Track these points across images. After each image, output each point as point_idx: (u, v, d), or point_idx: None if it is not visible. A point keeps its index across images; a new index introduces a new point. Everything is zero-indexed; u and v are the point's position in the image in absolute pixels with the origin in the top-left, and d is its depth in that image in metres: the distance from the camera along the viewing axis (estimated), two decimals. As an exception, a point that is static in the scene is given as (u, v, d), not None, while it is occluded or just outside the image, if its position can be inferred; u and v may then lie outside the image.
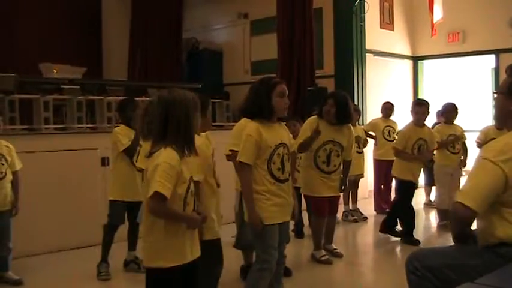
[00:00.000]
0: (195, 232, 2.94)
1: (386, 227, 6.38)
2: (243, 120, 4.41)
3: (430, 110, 6.33)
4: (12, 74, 7.72)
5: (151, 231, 2.80)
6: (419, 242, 6.08)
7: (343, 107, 5.21)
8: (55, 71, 9.78)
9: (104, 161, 6.16)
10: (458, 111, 6.80)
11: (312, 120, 5.27)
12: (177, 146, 2.77)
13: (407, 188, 6.27)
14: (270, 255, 3.64)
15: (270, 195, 3.64)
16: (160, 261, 2.78)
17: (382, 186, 8.03)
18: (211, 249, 3.55)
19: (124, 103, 5.21)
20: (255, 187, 3.63)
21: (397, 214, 6.35)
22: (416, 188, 6.57)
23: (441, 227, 6.81)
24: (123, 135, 4.91)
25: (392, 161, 7.38)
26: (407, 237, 6.17)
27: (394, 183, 6.79)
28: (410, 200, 6.29)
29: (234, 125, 4.65)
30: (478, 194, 2.65)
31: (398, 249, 6.14)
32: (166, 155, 2.73)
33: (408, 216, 6.28)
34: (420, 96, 10.60)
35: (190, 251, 2.86)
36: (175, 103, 2.81)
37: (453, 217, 2.81)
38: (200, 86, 9.79)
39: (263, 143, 3.60)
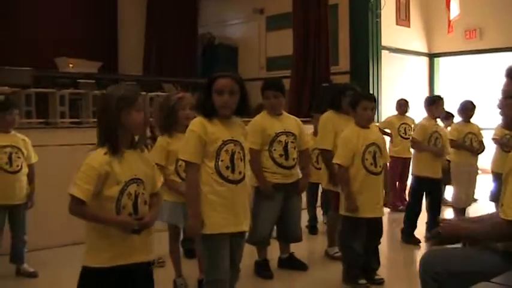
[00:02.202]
0: (137, 236, 2.71)
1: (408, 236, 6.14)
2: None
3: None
4: (29, 68, 7.77)
5: (86, 230, 2.75)
6: (419, 241, 5.98)
7: None
8: (71, 65, 9.83)
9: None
10: (476, 109, 6.69)
11: (329, 115, 5.17)
12: (108, 146, 2.67)
13: (423, 185, 6.13)
14: (218, 271, 3.18)
15: (217, 198, 3.13)
16: (87, 259, 2.76)
17: (397, 183, 7.97)
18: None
19: None
20: (202, 188, 3.15)
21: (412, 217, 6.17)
22: (441, 183, 6.41)
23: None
24: None
25: (409, 158, 7.32)
26: (409, 236, 6.10)
27: (410, 180, 6.70)
28: (421, 198, 6.14)
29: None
30: None
31: (411, 246, 6.09)
32: (92, 157, 2.68)
33: (414, 215, 6.19)
34: (436, 94, 10.50)
35: (123, 254, 2.71)
36: (100, 102, 2.76)
37: (496, 232, 2.57)
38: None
39: (208, 137, 3.12)
